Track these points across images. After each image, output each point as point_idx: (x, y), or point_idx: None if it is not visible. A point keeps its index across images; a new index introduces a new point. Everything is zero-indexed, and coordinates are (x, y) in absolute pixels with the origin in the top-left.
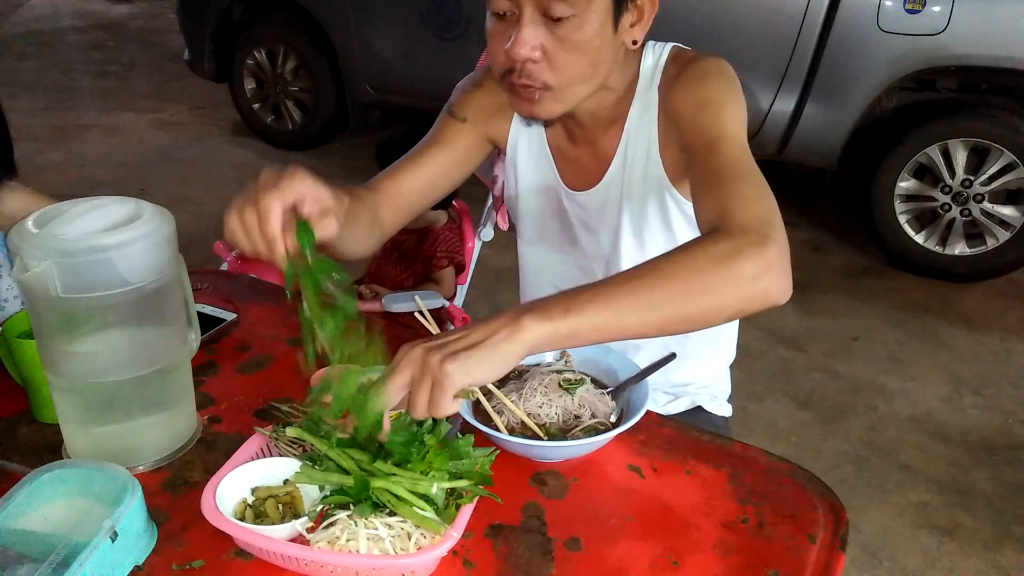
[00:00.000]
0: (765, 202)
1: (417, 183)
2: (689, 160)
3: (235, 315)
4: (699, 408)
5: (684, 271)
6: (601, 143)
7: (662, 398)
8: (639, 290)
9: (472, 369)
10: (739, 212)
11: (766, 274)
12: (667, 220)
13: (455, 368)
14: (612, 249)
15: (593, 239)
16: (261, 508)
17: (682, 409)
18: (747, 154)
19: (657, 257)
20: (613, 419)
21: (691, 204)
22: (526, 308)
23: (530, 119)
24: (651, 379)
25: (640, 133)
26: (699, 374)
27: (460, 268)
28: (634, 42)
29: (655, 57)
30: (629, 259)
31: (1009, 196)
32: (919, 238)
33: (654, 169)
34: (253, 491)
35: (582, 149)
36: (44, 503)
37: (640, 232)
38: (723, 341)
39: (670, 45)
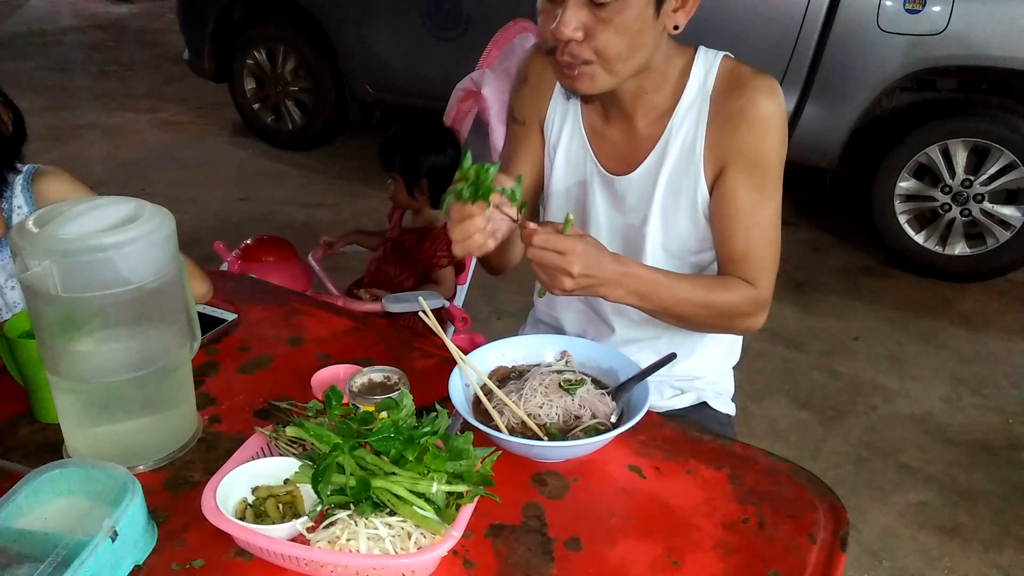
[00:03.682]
0: (775, 275)
1: (530, 176)
2: (729, 198)
3: (235, 315)
4: (704, 404)
5: (718, 313)
6: (642, 129)
7: (668, 391)
8: (685, 311)
9: (580, 295)
10: (765, 288)
11: (748, 331)
12: (694, 212)
13: (573, 290)
14: (637, 232)
15: (616, 223)
16: (261, 508)
17: (687, 404)
18: (778, 216)
19: (711, 287)
20: (613, 419)
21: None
22: (624, 281)
23: (572, 93)
24: (657, 372)
25: (687, 131)
26: (705, 369)
27: (460, 268)
28: (676, 27)
29: (707, 63)
30: (653, 244)
31: (1009, 196)
32: (919, 238)
33: (695, 168)
34: (253, 491)
35: (618, 130)
36: (44, 503)
37: (667, 221)
38: (727, 341)
39: (721, 54)
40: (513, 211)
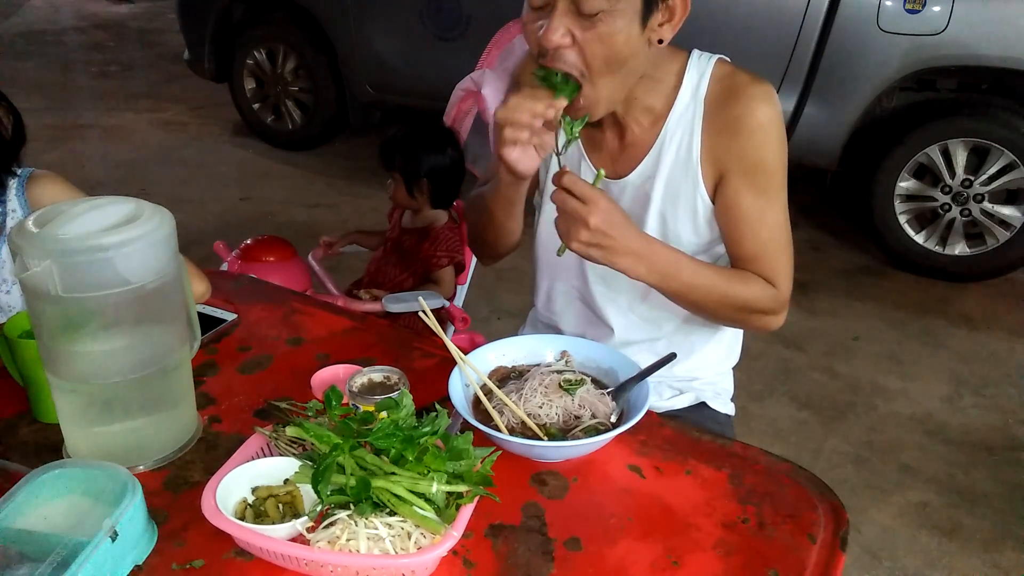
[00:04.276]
0: (792, 276)
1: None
2: (734, 205)
3: (235, 315)
4: (703, 404)
5: (738, 306)
6: (636, 133)
7: (667, 392)
8: (703, 297)
9: (595, 256)
10: (784, 288)
11: (765, 329)
12: (694, 219)
13: (589, 246)
14: None
15: None
16: (261, 508)
17: (686, 404)
18: (787, 217)
19: (732, 278)
20: (613, 419)
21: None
22: (647, 255)
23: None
24: (657, 372)
25: (682, 136)
26: (704, 369)
27: (460, 268)
28: (660, 41)
29: (700, 68)
30: None
31: (1009, 196)
32: (919, 238)
33: (693, 175)
34: (253, 491)
35: (611, 135)
36: (44, 503)
37: (666, 227)
38: (727, 342)
39: (716, 57)
40: (561, 135)
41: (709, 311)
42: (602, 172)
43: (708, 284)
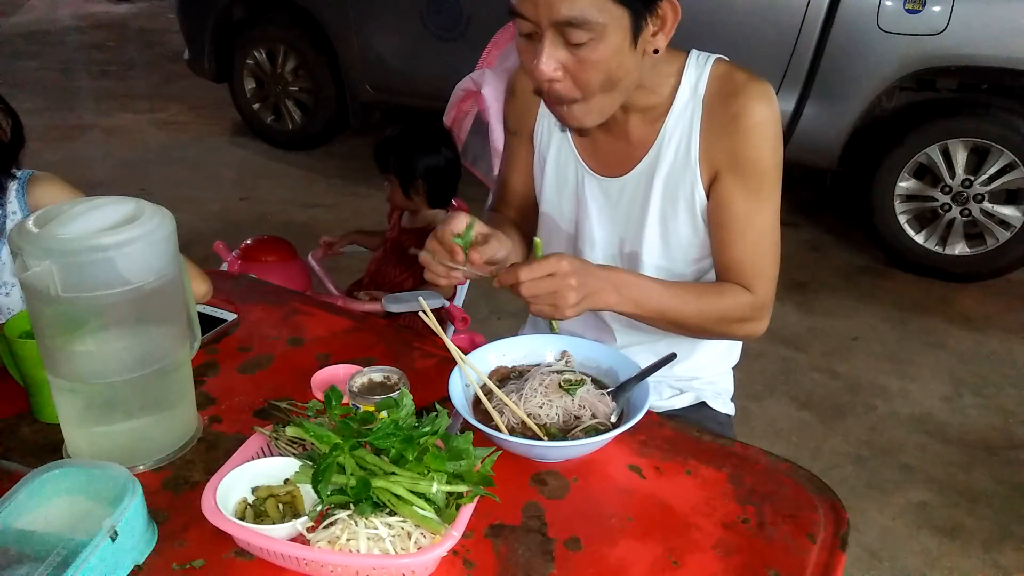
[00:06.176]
0: (775, 280)
1: (524, 185)
2: (724, 204)
3: (235, 315)
4: (703, 404)
5: (715, 319)
6: (634, 134)
7: (667, 391)
8: (681, 315)
9: (587, 306)
10: (762, 293)
11: (750, 337)
12: (693, 218)
13: (580, 305)
14: (634, 239)
15: (612, 234)
16: (261, 507)
17: (686, 404)
18: (776, 221)
19: (704, 292)
20: (613, 419)
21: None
22: (618, 285)
23: (564, 126)
24: (657, 372)
25: (681, 135)
26: (704, 369)
27: None
28: (655, 51)
29: (699, 68)
30: (650, 252)
31: (1009, 196)
32: (919, 238)
33: (691, 174)
34: (253, 490)
35: (610, 135)
36: (44, 503)
37: (666, 228)
38: (727, 342)
39: (714, 57)
40: (460, 255)
41: (690, 328)
42: (537, 240)
43: (683, 302)
